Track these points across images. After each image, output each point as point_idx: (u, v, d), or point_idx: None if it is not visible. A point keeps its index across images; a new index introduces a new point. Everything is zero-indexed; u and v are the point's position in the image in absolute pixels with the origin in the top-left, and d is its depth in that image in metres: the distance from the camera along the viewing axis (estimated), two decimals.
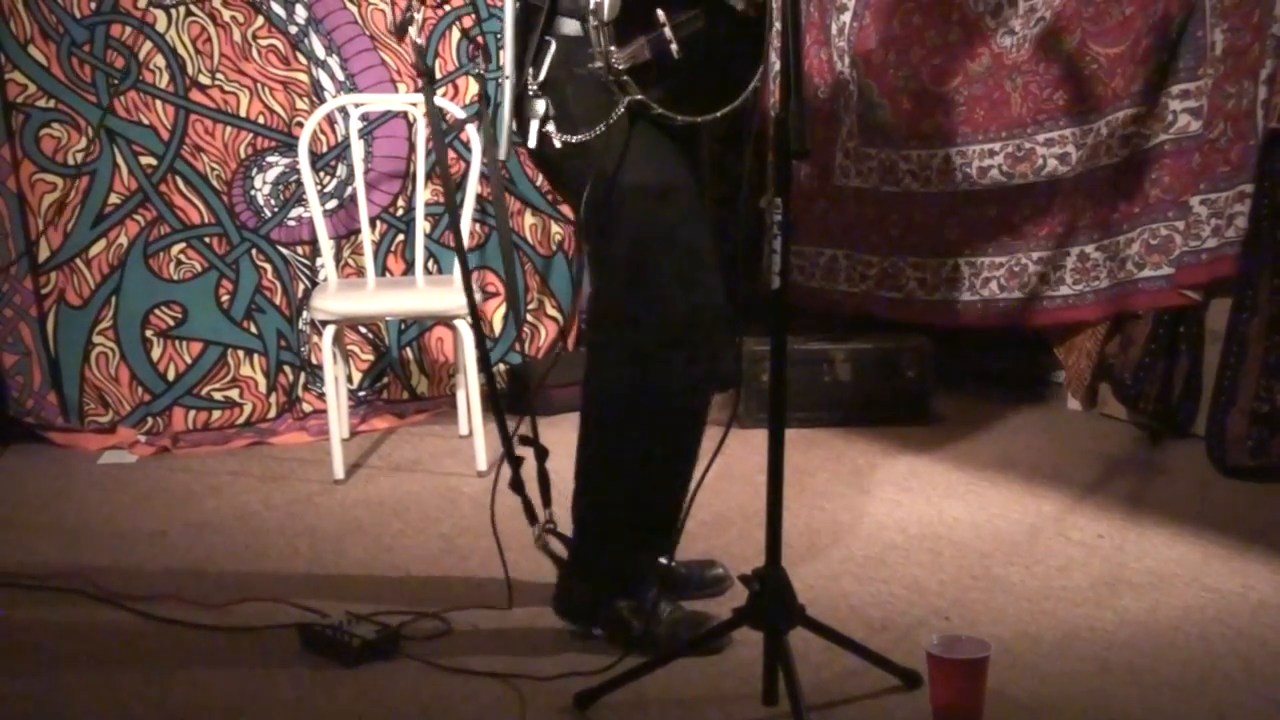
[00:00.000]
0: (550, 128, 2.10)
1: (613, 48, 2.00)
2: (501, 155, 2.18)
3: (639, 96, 2.04)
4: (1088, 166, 3.40)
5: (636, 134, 2.08)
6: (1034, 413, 3.78)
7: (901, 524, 2.87)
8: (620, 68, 2.01)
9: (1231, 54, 3.08)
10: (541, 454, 2.28)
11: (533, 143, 2.10)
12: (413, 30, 3.27)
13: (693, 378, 2.17)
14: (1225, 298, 3.18)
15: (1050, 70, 3.46)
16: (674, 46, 2.03)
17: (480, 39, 3.86)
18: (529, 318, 4.04)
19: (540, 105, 2.09)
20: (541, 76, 2.09)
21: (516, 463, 2.30)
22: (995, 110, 3.57)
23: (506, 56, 2.11)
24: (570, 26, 2.07)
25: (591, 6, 2.00)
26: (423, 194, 3.60)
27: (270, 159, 3.73)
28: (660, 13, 2.02)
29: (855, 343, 3.72)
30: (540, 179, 3.88)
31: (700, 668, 2.14)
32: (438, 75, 3.81)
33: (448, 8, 3.84)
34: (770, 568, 1.99)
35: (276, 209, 3.76)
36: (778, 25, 1.93)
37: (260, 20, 3.68)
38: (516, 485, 2.31)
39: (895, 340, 3.74)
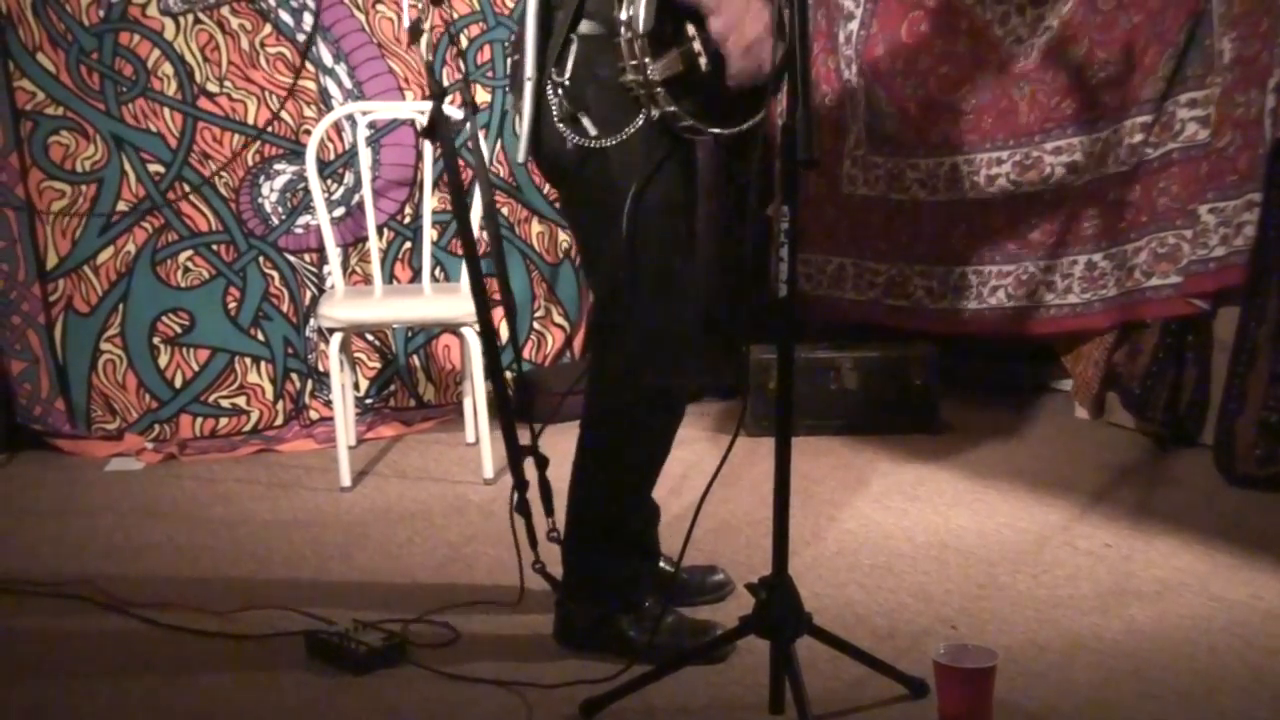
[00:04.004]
0: (568, 129, 2.09)
1: (648, 59, 2.00)
2: (520, 158, 2.18)
3: (672, 108, 2.03)
4: (1095, 175, 3.40)
5: (657, 146, 2.08)
6: (1041, 421, 3.77)
7: (908, 532, 2.86)
8: (656, 79, 2.01)
9: (1240, 63, 3.08)
10: (542, 463, 2.28)
11: (566, 143, 2.08)
12: (423, 45, 3.28)
13: (661, 393, 2.19)
14: (1233, 306, 3.18)
15: (1058, 79, 3.45)
16: (703, 60, 2.04)
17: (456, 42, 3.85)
18: (535, 325, 4.04)
19: (562, 107, 2.09)
20: (566, 77, 2.08)
21: (523, 486, 2.31)
22: (1003, 119, 3.57)
23: (528, 58, 2.10)
24: (590, 27, 2.06)
25: (625, 19, 2.00)
26: (430, 201, 3.61)
27: (278, 166, 3.74)
28: (690, 26, 2.03)
29: (862, 351, 3.71)
30: (547, 187, 3.88)
31: (706, 676, 2.13)
32: (446, 82, 3.82)
33: (455, 15, 3.84)
34: (776, 576, 1.98)
35: (284, 216, 3.76)
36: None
37: (268, 28, 3.69)
38: (521, 508, 2.31)
39: (902, 348, 3.73)
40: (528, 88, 2.10)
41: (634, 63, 2.01)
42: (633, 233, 2.08)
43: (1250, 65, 3.06)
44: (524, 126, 2.12)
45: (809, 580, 2.50)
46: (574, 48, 2.07)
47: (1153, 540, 2.76)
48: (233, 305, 3.74)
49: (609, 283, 2.18)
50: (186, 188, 3.63)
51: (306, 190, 3.66)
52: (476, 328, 3.17)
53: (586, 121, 2.08)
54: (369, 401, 3.87)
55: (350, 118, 3.64)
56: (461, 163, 3.80)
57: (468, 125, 3.27)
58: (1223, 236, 3.13)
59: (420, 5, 3.72)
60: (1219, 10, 3.12)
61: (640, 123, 2.06)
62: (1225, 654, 2.22)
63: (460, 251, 3.62)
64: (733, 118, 2.11)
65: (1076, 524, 2.89)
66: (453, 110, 3.72)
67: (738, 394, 3.93)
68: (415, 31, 3.52)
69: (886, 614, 2.41)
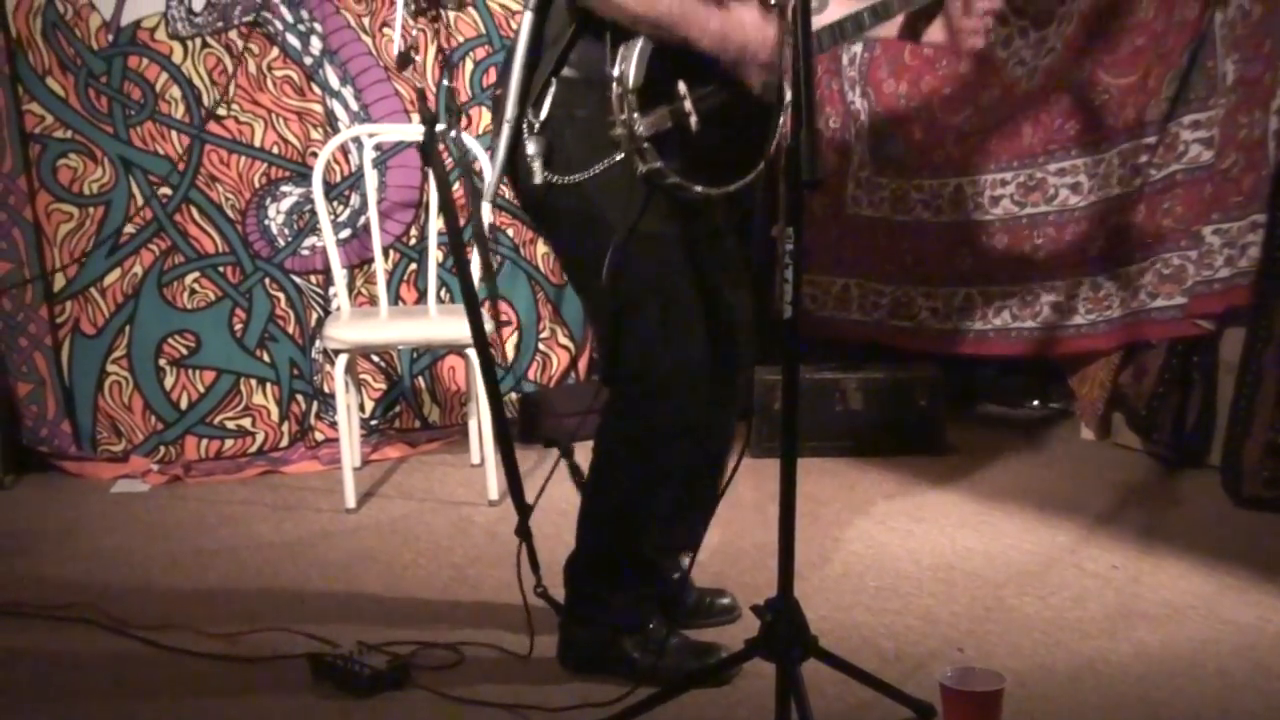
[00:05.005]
0: (542, 166, 2.10)
1: (636, 115, 2.01)
2: (488, 197, 2.18)
3: (657, 164, 2.03)
4: (1099, 196, 3.40)
5: (637, 183, 2.07)
6: (1047, 443, 3.76)
7: (914, 554, 2.86)
8: (642, 134, 2.01)
9: (1242, 84, 3.09)
10: (525, 512, 2.28)
11: (538, 180, 2.10)
12: (410, 72, 3.29)
13: (677, 426, 2.18)
14: (1239, 328, 3.18)
15: (1061, 101, 3.46)
16: (693, 119, 2.04)
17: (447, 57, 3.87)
18: (540, 346, 4.04)
19: (536, 145, 2.10)
20: (542, 116, 2.09)
21: (525, 510, 2.30)
22: (1007, 140, 3.58)
23: (510, 97, 2.11)
24: (571, 72, 2.08)
25: (616, 74, 2.01)
26: (435, 223, 3.61)
27: (284, 189, 3.76)
28: (681, 84, 2.04)
29: (867, 372, 3.71)
30: None
31: (712, 698, 2.13)
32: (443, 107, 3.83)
33: (458, 41, 3.86)
34: (782, 598, 1.98)
35: (290, 238, 3.77)
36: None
37: (275, 52, 3.71)
38: (523, 532, 2.31)
39: (907, 370, 3.73)
40: (505, 128, 2.11)
41: (623, 117, 2.01)
42: (617, 275, 2.07)
43: (1253, 87, 3.06)
44: (496, 165, 2.14)
45: (814, 602, 2.49)
46: (553, 89, 2.09)
47: (1160, 562, 2.75)
48: (239, 327, 3.75)
49: (596, 317, 2.18)
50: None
51: (312, 212, 3.67)
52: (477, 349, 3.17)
53: (562, 159, 2.09)
54: (374, 423, 3.87)
55: (357, 140, 3.66)
56: (462, 185, 3.83)
57: (460, 139, 3.28)
58: (1227, 258, 3.13)
59: (414, 33, 3.74)
60: (1222, 32, 3.12)
61: (618, 158, 2.06)
62: (1234, 677, 2.21)
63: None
64: (724, 178, 2.11)
65: (1083, 546, 2.88)
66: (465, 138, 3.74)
67: (743, 415, 3.93)
68: (404, 60, 3.54)
69: (893, 636, 2.41)
